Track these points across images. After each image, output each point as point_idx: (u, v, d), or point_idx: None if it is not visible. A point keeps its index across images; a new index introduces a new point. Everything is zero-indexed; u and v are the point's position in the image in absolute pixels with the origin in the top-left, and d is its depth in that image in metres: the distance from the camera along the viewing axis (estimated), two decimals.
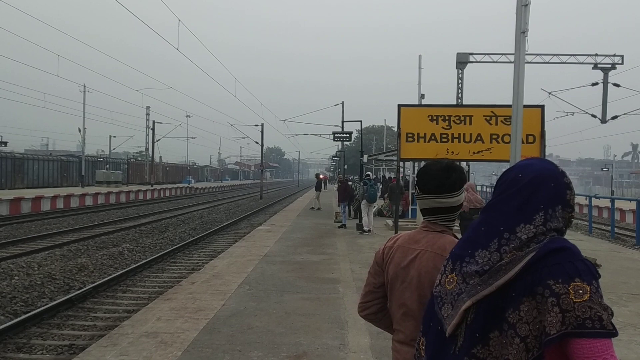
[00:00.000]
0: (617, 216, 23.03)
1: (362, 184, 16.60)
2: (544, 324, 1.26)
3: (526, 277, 1.32)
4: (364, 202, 16.07)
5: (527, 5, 8.30)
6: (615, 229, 18.67)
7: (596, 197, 22.11)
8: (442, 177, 1.97)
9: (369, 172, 19.39)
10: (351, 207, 19.02)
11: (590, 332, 1.22)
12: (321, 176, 31.32)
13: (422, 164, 18.27)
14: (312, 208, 25.93)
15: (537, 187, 1.42)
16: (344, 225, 17.49)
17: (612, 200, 18.73)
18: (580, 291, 1.25)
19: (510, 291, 1.32)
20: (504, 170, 1.61)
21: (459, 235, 1.77)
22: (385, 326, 2.15)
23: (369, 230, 15.69)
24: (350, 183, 21.46)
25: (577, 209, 27.94)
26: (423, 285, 1.90)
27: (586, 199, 22.66)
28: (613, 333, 1.23)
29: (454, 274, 1.48)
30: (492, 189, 1.61)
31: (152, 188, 44.18)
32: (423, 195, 2.01)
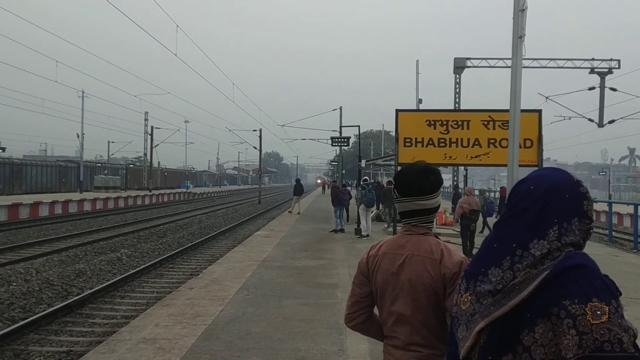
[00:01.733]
0: (614, 220, 23.06)
1: (360, 188, 16.57)
2: (560, 347, 1.19)
3: (541, 297, 1.24)
4: (361, 206, 16.05)
5: (524, 10, 8.34)
6: (613, 232, 18.69)
7: (594, 201, 22.12)
8: (421, 179, 2.00)
9: (367, 177, 19.30)
10: (343, 212, 18.71)
11: (609, 357, 1.14)
12: (318, 181, 31.39)
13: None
14: (290, 212, 26.05)
15: (551, 200, 1.35)
16: (336, 231, 17.33)
17: (610, 204, 18.77)
18: (598, 312, 1.17)
19: (525, 312, 1.26)
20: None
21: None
22: (373, 333, 2.15)
23: (367, 235, 15.68)
24: (348, 188, 21.48)
25: None
26: (415, 289, 1.91)
27: None
28: (635, 356, 1.15)
29: (468, 294, 1.41)
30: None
31: (150, 193, 44.12)
32: (403, 199, 2.03)
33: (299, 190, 27.66)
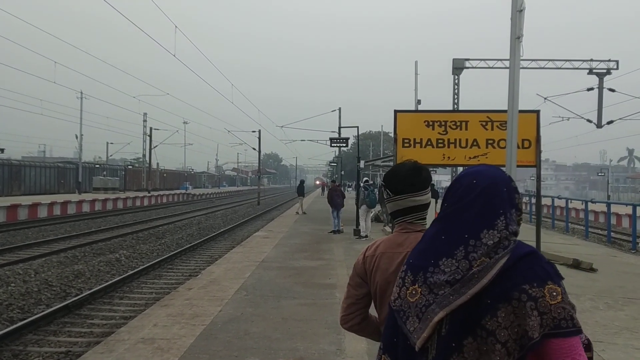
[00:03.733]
0: (613, 221, 23.09)
1: (362, 189, 16.55)
2: (524, 328, 1.28)
3: (499, 284, 1.33)
4: (363, 207, 16.05)
5: (521, 11, 8.36)
6: (612, 233, 18.72)
7: (592, 202, 22.16)
8: (414, 176, 2.01)
9: (367, 178, 19.28)
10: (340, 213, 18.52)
11: (566, 332, 1.29)
12: (317, 182, 31.76)
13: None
14: (297, 213, 26.68)
15: (494, 193, 1.44)
16: (335, 231, 17.29)
17: (609, 205, 18.79)
18: (554, 293, 1.31)
19: (484, 298, 1.33)
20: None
21: None
22: (369, 333, 2.14)
23: (366, 236, 15.69)
24: (349, 189, 21.41)
25: (574, 213, 28.02)
26: None
27: (582, 204, 22.72)
28: (580, 330, 1.32)
29: (416, 286, 1.45)
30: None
31: (149, 194, 44.11)
32: (396, 197, 2.03)
33: (300, 190, 29.60)
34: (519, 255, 1.37)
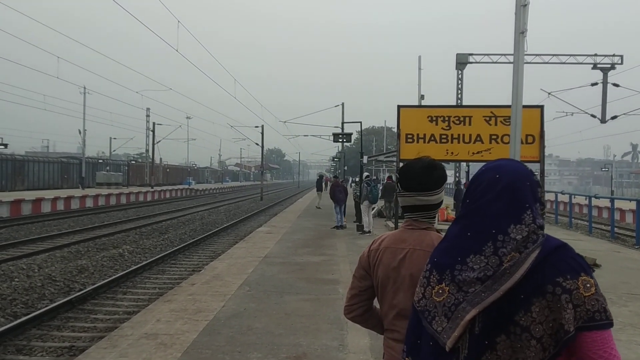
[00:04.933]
0: (617, 216, 23.02)
1: (365, 184, 16.53)
2: (560, 322, 1.27)
3: (532, 278, 1.30)
4: (365, 202, 16.05)
5: (526, 5, 8.31)
6: (615, 229, 18.65)
7: (596, 197, 22.09)
8: (425, 175, 1.99)
9: (368, 173, 19.24)
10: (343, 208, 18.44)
11: (600, 324, 1.27)
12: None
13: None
14: (318, 207, 27.02)
15: (518, 187, 1.41)
16: (338, 227, 17.28)
17: (612, 200, 18.73)
18: (588, 285, 1.29)
19: (517, 294, 1.30)
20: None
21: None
22: (372, 326, 2.17)
23: (369, 231, 15.68)
24: (353, 184, 21.40)
25: (577, 209, 27.96)
26: (416, 284, 1.91)
27: (586, 199, 22.66)
28: (612, 322, 1.30)
29: (443, 285, 1.42)
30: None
31: (152, 190, 44.19)
32: (405, 193, 2.03)
33: (319, 185, 31.04)
34: (550, 248, 1.35)
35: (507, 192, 1.40)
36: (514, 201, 1.39)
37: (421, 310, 1.46)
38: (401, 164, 12.51)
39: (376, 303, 2.14)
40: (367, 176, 17.95)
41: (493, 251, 1.35)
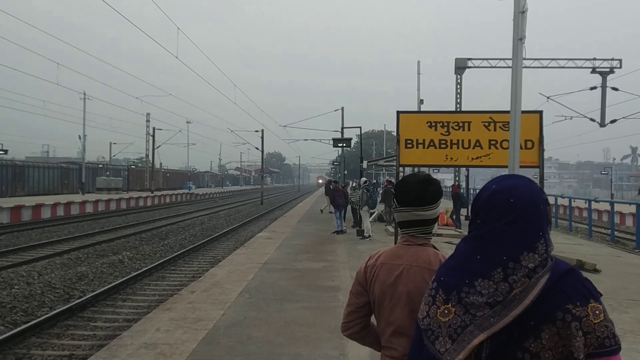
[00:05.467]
0: (617, 219, 23.01)
1: (364, 190, 16.54)
2: (569, 349, 1.27)
3: (541, 304, 1.30)
4: (365, 208, 16.06)
5: (524, 12, 8.33)
6: (615, 232, 18.65)
7: (596, 201, 22.08)
8: (420, 190, 1.99)
9: (367, 179, 19.24)
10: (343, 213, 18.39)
11: (609, 351, 1.28)
12: (320, 181, 31.91)
13: (419, 169, 18.29)
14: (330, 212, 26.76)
15: (533, 214, 1.38)
16: (338, 232, 17.27)
17: (612, 204, 18.73)
18: (597, 311, 1.29)
19: (527, 320, 1.29)
20: (484, 188, 1.51)
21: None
22: (370, 342, 2.16)
23: (369, 236, 15.68)
24: (351, 189, 21.36)
25: (577, 212, 27.94)
26: (414, 301, 1.90)
27: (586, 203, 22.66)
28: (621, 346, 1.31)
29: (449, 305, 1.39)
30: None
31: (152, 194, 44.15)
32: (401, 208, 2.03)
33: (327, 191, 30.47)
34: (559, 273, 1.34)
35: (522, 219, 1.37)
36: (528, 230, 1.36)
37: (424, 329, 1.44)
38: (400, 169, 12.52)
39: (373, 320, 2.14)
40: (366, 182, 17.96)
41: (503, 277, 1.33)
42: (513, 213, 1.38)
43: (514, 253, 1.34)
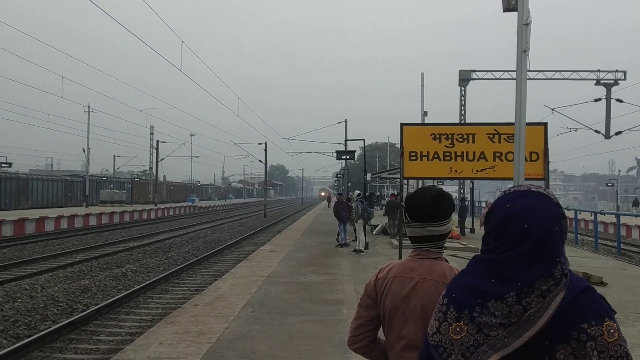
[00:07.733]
0: (623, 232, 22.88)
1: (359, 203, 16.53)
2: None
3: (556, 323, 1.28)
4: (360, 221, 16.09)
5: (528, 24, 8.33)
6: (622, 245, 18.53)
7: (602, 213, 21.97)
8: (433, 205, 1.97)
9: (360, 192, 19.26)
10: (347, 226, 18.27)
11: None
12: (322, 194, 31.77)
13: (423, 182, 18.27)
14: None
15: (550, 241, 1.33)
16: (342, 245, 17.17)
17: (618, 216, 18.64)
18: (612, 330, 1.27)
19: (542, 339, 1.27)
20: (510, 186, 1.44)
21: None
22: (376, 357, 2.10)
23: (362, 250, 15.56)
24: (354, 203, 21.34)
25: (582, 224, 27.81)
26: (428, 314, 1.86)
27: (592, 215, 22.54)
28: None
29: (461, 323, 1.36)
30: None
31: (156, 207, 44.18)
32: (414, 224, 2.00)
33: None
34: (574, 291, 1.32)
35: (538, 247, 1.32)
36: (545, 257, 1.32)
37: (435, 345, 1.40)
38: (405, 182, 12.47)
39: (380, 334, 2.10)
40: (359, 194, 17.93)
41: (516, 300, 1.30)
42: (528, 241, 1.33)
43: (528, 279, 1.30)
